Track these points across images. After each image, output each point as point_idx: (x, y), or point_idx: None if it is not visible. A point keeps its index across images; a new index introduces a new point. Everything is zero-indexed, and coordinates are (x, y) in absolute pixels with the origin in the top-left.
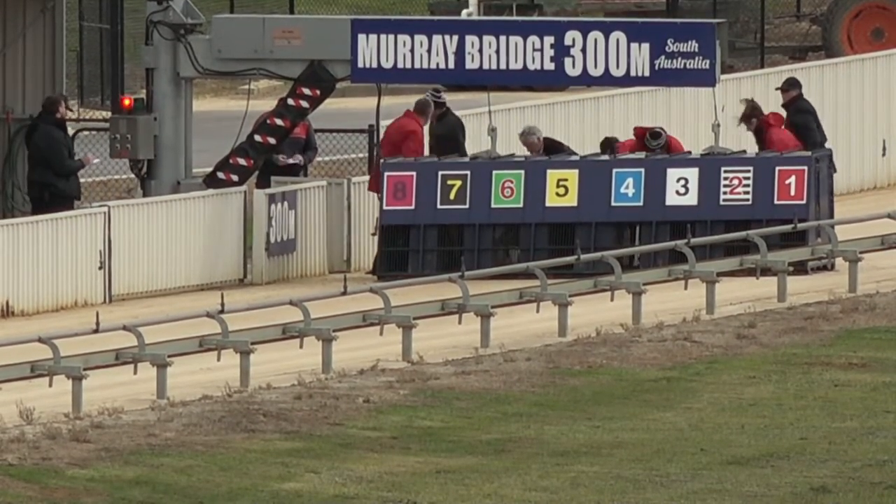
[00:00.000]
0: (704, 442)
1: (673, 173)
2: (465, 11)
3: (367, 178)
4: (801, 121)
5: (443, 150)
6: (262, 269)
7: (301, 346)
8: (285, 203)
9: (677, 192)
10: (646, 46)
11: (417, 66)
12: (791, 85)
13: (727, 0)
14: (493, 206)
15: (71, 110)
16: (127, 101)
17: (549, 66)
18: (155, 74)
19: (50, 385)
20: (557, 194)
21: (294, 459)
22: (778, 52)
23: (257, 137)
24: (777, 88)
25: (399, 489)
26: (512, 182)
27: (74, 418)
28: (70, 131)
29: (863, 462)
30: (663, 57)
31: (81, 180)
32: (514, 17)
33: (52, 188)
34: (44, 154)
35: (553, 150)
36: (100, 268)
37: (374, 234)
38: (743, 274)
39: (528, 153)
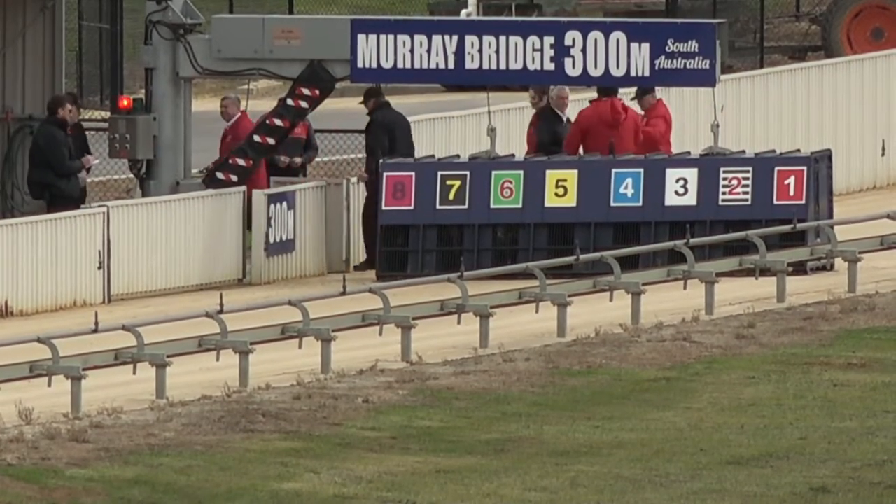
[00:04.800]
0: (704, 442)
1: (672, 173)
2: (464, 11)
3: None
4: (371, 142)
5: None
6: (261, 270)
7: (300, 347)
8: (284, 203)
9: (676, 193)
10: (646, 46)
11: (417, 66)
12: (371, 94)
13: (727, 0)
14: (492, 206)
15: (74, 107)
16: (125, 102)
17: (549, 66)
18: (154, 74)
19: (49, 385)
20: (556, 194)
21: (293, 459)
22: (777, 51)
23: (256, 138)
24: (360, 103)
25: (398, 489)
26: (511, 182)
27: (73, 418)
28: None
29: (862, 462)
30: (663, 57)
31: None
32: (514, 18)
33: (53, 188)
34: (44, 154)
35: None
36: (99, 268)
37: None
38: (742, 274)
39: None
